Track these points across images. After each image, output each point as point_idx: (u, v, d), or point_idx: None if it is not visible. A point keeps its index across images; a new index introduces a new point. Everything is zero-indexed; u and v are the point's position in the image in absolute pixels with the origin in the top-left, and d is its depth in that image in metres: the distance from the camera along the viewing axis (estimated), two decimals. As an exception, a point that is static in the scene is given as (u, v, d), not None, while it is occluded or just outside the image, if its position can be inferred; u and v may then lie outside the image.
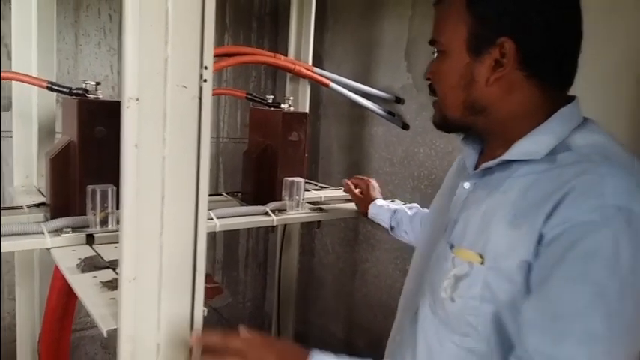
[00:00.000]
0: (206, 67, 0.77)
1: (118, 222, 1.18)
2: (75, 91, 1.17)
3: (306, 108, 2.11)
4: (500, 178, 0.80)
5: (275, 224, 1.40)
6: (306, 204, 1.54)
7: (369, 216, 1.47)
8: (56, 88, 1.19)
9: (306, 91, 2.14)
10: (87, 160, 1.16)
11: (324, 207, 1.56)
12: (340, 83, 2.12)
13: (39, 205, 1.33)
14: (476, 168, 0.88)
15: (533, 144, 0.76)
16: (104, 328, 0.77)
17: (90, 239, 1.13)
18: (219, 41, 2.72)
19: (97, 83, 1.17)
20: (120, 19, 2.43)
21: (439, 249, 0.87)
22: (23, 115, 1.62)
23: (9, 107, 2.25)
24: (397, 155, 2.36)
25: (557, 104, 0.79)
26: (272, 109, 1.58)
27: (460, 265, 0.79)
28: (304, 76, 2.05)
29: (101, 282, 0.93)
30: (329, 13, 2.65)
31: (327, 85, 2.07)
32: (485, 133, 0.86)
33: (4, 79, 1.17)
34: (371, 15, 2.45)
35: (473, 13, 0.78)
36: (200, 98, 0.78)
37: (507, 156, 0.78)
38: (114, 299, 0.87)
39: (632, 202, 0.65)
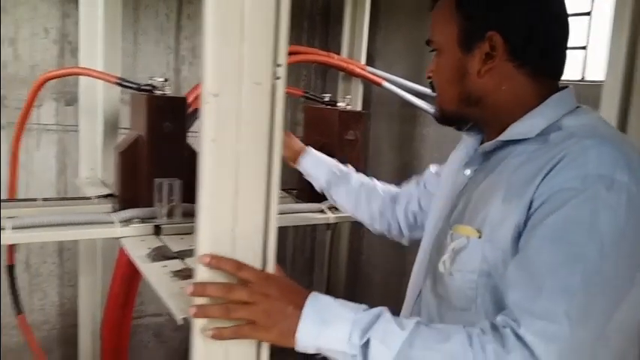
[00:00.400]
0: (279, 65, 0.79)
1: (183, 214, 1.22)
2: (143, 88, 1.22)
3: (358, 107, 2.12)
4: (496, 160, 0.85)
5: (331, 222, 1.42)
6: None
7: (302, 166, 1.32)
8: (125, 84, 1.24)
9: (358, 91, 2.15)
10: (155, 154, 1.20)
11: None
12: (393, 82, 2.12)
13: (106, 197, 1.38)
14: None
15: (525, 126, 0.81)
16: (179, 316, 0.80)
17: (157, 230, 1.18)
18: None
19: (165, 80, 1.21)
20: (177, 18, 2.51)
21: (440, 232, 0.90)
22: (89, 110, 1.69)
23: (73, 102, 2.36)
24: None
25: (548, 92, 0.83)
26: (328, 107, 1.59)
27: (458, 239, 0.82)
28: (357, 75, 2.06)
29: (171, 271, 0.96)
30: (381, 12, 2.65)
31: (379, 85, 2.07)
32: (482, 123, 0.91)
33: (77, 74, 1.23)
34: (425, 14, 2.43)
35: (462, 12, 0.85)
36: (273, 95, 0.79)
37: (502, 137, 0.83)
38: (183, 288, 0.90)
39: (615, 172, 0.69)
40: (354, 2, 2.07)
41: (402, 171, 2.51)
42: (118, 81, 1.23)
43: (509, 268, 0.74)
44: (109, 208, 1.32)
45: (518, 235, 0.75)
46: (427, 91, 2.25)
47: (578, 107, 0.83)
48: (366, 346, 0.70)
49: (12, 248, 1.61)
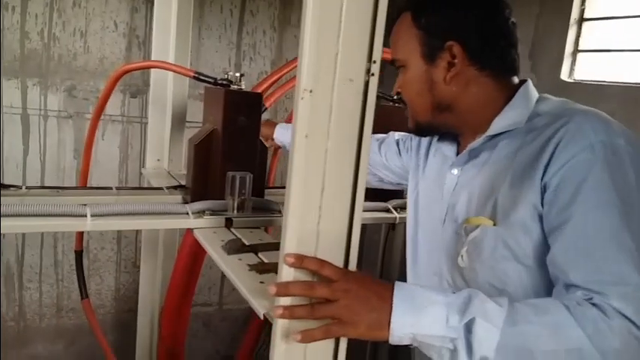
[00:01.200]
0: (374, 62, 0.77)
1: (253, 208, 1.23)
2: (219, 82, 1.23)
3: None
4: (485, 155, 0.90)
5: (397, 222, 1.40)
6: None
7: (277, 137, 1.51)
8: (202, 78, 1.25)
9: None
10: (229, 147, 1.21)
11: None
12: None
13: (176, 188, 1.40)
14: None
15: (510, 117, 0.87)
16: (261, 311, 0.80)
17: (228, 223, 1.19)
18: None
19: (241, 75, 1.22)
20: (240, 14, 2.53)
21: (448, 234, 0.94)
22: (158, 102, 1.72)
23: (137, 94, 2.42)
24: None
25: (512, 89, 0.90)
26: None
27: (473, 232, 0.87)
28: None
29: (248, 265, 0.96)
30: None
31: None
32: (456, 127, 0.95)
33: (155, 67, 1.25)
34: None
35: (420, 28, 0.90)
36: (365, 93, 0.78)
37: (491, 131, 0.88)
38: (263, 283, 0.90)
39: (611, 137, 0.76)
40: None
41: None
42: (195, 75, 1.25)
43: (557, 253, 0.76)
44: (179, 199, 1.34)
45: (538, 216, 0.79)
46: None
47: (540, 95, 0.91)
48: (468, 326, 0.69)
49: (81, 235, 1.66)
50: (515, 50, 0.91)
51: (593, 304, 0.70)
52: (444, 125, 0.95)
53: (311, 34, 0.73)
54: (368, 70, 0.78)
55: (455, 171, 0.96)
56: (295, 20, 2.65)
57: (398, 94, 0.99)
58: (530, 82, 0.92)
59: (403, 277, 1.10)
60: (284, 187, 1.59)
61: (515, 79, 0.92)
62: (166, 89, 1.71)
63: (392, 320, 0.71)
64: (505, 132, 0.87)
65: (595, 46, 2.10)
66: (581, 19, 2.10)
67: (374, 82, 0.78)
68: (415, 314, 0.72)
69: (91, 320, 1.70)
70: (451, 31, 0.88)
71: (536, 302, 0.73)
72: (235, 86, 1.22)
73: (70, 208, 1.05)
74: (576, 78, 2.13)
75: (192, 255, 1.65)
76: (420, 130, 0.99)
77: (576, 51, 2.13)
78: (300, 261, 0.74)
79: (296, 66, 1.67)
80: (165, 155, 1.76)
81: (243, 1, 2.52)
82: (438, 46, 0.89)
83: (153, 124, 1.75)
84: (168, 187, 1.39)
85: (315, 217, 0.79)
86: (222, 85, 1.23)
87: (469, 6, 0.89)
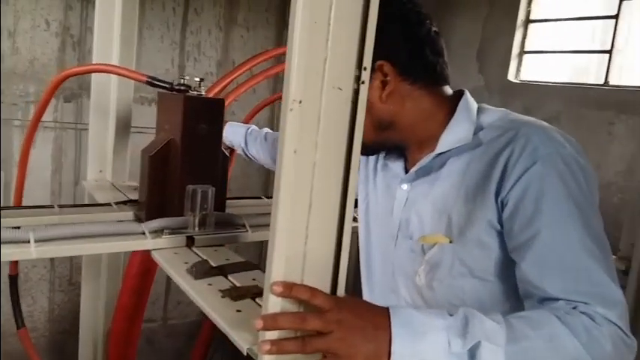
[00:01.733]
0: (365, 68, 0.71)
1: (216, 223, 1.13)
2: (177, 87, 1.12)
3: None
4: (434, 171, 0.89)
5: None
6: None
7: (227, 137, 1.51)
8: (157, 83, 1.14)
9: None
10: (188, 158, 1.11)
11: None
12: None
13: (126, 203, 1.28)
14: (406, 171, 0.95)
15: (457, 133, 0.86)
16: (244, 346, 0.72)
17: (190, 241, 1.09)
18: (278, 37, 2.67)
19: (201, 80, 1.12)
20: (183, 12, 2.40)
21: (402, 251, 0.92)
22: (100, 107, 1.58)
23: (72, 99, 2.24)
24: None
25: (449, 100, 0.90)
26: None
27: (430, 250, 0.86)
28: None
29: (219, 291, 0.87)
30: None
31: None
32: (402, 143, 0.94)
33: (102, 71, 1.13)
34: (442, 13, 2.37)
35: None
36: (355, 102, 0.72)
37: (440, 149, 0.87)
38: (240, 312, 0.81)
39: (558, 147, 0.78)
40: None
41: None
42: (149, 80, 1.13)
43: (528, 269, 0.76)
44: (130, 216, 1.22)
45: (496, 232, 0.80)
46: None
47: (478, 106, 0.91)
48: (472, 351, 0.66)
49: (15, 256, 1.49)
50: (443, 59, 0.91)
51: (582, 313, 0.71)
52: (389, 142, 0.94)
53: (300, 38, 0.65)
54: (358, 78, 0.71)
55: (405, 186, 0.94)
56: (242, 19, 2.54)
57: None
58: (467, 93, 0.92)
59: (355, 287, 1.07)
60: (243, 198, 1.51)
61: (449, 89, 0.92)
62: (109, 93, 1.57)
63: (392, 351, 0.66)
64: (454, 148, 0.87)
65: (541, 47, 2.14)
66: (528, 21, 2.14)
67: (364, 90, 0.72)
68: (415, 342, 0.67)
69: (30, 352, 1.54)
70: (378, 51, 0.82)
71: (527, 315, 0.72)
72: (194, 92, 1.12)
73: (10, 234, 0.92)
74: (523, 79, 2.17)
75: (141, 275, 1.52)
76: (367, 150, 0.95)
77: (522, 52, 2.16)
78: (288, 290, 0.68)
79: (247, 70, 1.61)
80: (108, 166, 1.62)
81: (186, -1, 2.39)
82: (370, 68, 0.85)
83: (94, 132, 1.60)
84: (116, 203, 1.27)
85: (302, 237, 0.72)
86: (179, 90, 1.12)
87: (389, 23, 0.87)
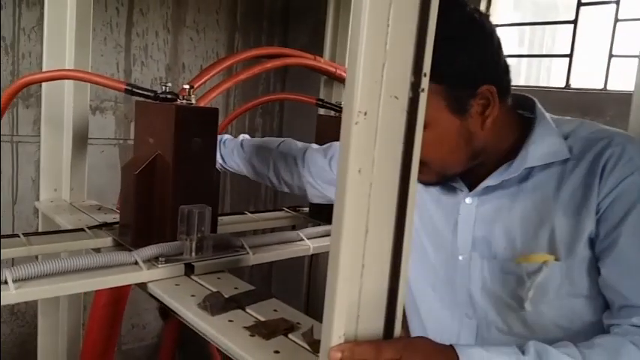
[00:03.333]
0: (425, 74, 0.64)
1: (213, 247, 1.02)
2: (162, 96, 1.00)
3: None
4: (514, 185, 0.83)
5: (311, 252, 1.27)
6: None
7: None
8: (137, 91, 1.01)
9: (341, 95, 2.01)
10: (181, 176, 0.99)
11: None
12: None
13: (101, 227, 1.13)
14: (471, 185, 0.88)
15: (549, 146, 0.80)
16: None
17: (189, 270, 0.97)
18: (229, 40, 2.54)
19: (191, 87, 1.00)
20: (128, 13, 2.22)
21: (478, 272, 0.86)
22: (53, 119, 1.40)
23: (10, 106, 1.99)
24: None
25: (517, 106, 0.86)
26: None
27: (535, 271, 0.80)
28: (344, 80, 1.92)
29: (245, 328, 0.77)
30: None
31: (367, 90, 1.95)
32: (480, 164, 0.87)
33: (69, 78, 0.99)
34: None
35: (439, 82, 0.77)
36: (415, 112, 0.64)
37: (531, 162, 0.80)
38: (279, 353, 0.71)
39: None
40: (337, 3, 1.93)
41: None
42: (128, 87, 1.00)
43: (609, 275, 0.75)
44: (109, 242, 1.08)
45: (591, 242, 0.77)
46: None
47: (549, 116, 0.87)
48: None
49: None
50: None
51: None
52: (472, 166, 0.86)
53: (365, 44, 0.57)
54: (417, 85, 0.64)
55: (469, 200, 0.87)
56: (191, 21, 2.40)
57: None
58: (538, 103, 0.87)
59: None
60: (227, 214, 1.39)
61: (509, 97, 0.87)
62: (63, 103, 1.39)
63: None
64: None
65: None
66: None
67: (423, 98, 0.65)
68: None
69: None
70: (481, 76, 0.78)
71: (601, 343, 0.69)
72: (184, 101, 1.00)
73: (-18, 276, 0.77)
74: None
75: (112, 304, 1.38)
76: (444, 181, 0.89)
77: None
78: (350, 354, 0.60)
79: (215, 73, 1.49)
80: (64, 183, 1.44)
81: (131, -1, 2.21)
82: (469, 95, 0.79)
83: (47, 146, 1.42)
84: (90, 228, 1.12)
85: (358, 269, 0.64)
86: (165, 99, 0.99)
87: (487, 44, 0.80)
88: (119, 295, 1.36)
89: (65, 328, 1.49)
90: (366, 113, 0.58)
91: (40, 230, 1.40)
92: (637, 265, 0.73)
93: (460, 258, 0.88)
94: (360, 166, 0.59)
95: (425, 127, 0.79)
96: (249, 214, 1.39)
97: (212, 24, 2.48)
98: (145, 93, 1.02)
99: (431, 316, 0.98)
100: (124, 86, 1.02)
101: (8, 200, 1.98)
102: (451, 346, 0.67)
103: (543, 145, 0.81)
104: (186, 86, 1.00)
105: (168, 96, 1.00)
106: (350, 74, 0.58)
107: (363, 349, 0.59)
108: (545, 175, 0.81)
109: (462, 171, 0.86)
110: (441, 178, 0.88)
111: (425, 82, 0.64)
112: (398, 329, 0.67)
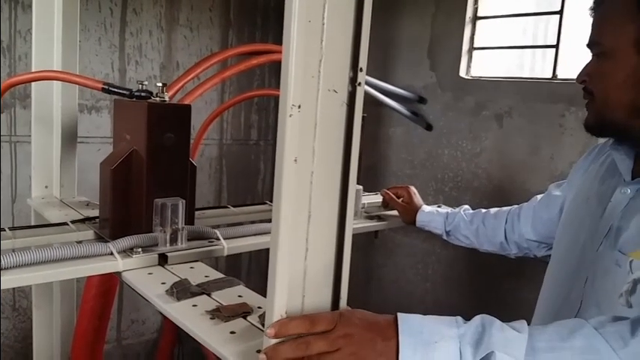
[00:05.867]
0: (361, 69, 0.67)
1: (188, 239, 1.06)
2: (137, 94, 1.04)
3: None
4: None
5: (339, 235, 1.30)
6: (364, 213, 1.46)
7: (418, 224, 1.39)
8: (114, 90, 1.05)
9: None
10: (155, 170, 1.03)
11: (381, 215, 1.47)
12: (366, 82, 2.04)
13: (84, 221, 1.18)
14: (634, 175, 0.86)
15: None
16: (249, 373, 0.66)
17: (162, 259, 1.01)
18: (223, 37, 2.59)
19: (164, 85, 1.04)
20: (122, 13, 2.27)
21: (604, 260, 0.83)
22: (43, 118, 1.45)
23: (3, 109, 2.06)
24: (418, 157, 2.31)
25: None
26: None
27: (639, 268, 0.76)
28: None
29: (206, 312, 0.81)
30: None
31: (355, 85, 1.98)
32: None
33: (51, 79, 1.03)
34: (389, 11, 2.37)
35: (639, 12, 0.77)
36: (352, 105, 0.68)
37: None
38: (234, 333, 0.76)
39: None
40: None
41: (370, 173, 2.44)
42: (105, 87, 1.04)
43: None
44: (91, 235, 1.12)
45: None
46: (398, 90, 2.20)
47: None
48: None
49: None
50: None
51: (626, 321, 0.64)
52: (633, 130, 0.83)
53: (297, 39, 0.61)
54: (354, 79, 0.68)
55: (627, 190, 0.85)
56: (184, 19, 2.44)
57: (583, 82, 0.86)
58: None
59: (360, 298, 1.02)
60: (209, 208, 1.44)
61: None
62: (52, 103, 1.44)
63: None
64: None
65: (490, 44, 2.18)
66: (475, 18, 2.17)
67: (360, 92, 0.68)
68: (425, 351, 0.63)
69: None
70: None
71: (561, 324, 0.66)
72: (157, 98, 1.04)
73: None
74: (473, 75, 2.20)
75: (101, 296, 1.42)
76: (601, 129, 0.87)
77: (472, 49, 2.20)
78: (284, 329, 0.63)
79: (202, 70, 1.53)
80: (54, 180, 1.50)
81: (125, -1, 2.26)
82: None
83: (38, 145, 1.47)
84: (73, 222, 1.16)
85: (302, 252, 0.68)
86: (140, 97, 1.04)
87: None
88: (108, 287, 1.40)
89: (59, 321, 1.54)
90: (300, 106, 0.62)
91: (31, 226, 1.45)
92: None
93: (591, 243, 0.87)
94: (295, 156, 0.62)
95: (606, 54, 0.81)
96: (232, 208, 1.43)
97: (206, 22, 2.52)
98: (121, 92, 1.06)
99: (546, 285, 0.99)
100: (101, 85, 1.06)
101: (8, 199, 2.05)
102: (395, 316, 0.67)
103: None
104: (159, 84, 1.04)
105: (143, 94, 1.04)
106: (284, 69, 0.61)
107: (297, 324, 0.63)
108: None
109: (622, 126, 0.82)
110: (601, 122, 0.85)
111: (361, 76, 0.68)
112: (343, 303, 0.71)
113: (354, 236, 0.99)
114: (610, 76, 0.81)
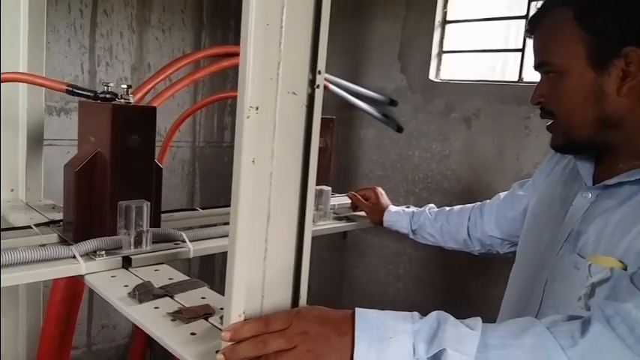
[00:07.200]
0: (319, 72, 0.69)
1: (152, 242, 1.06)
2: (101, 95, 1.04)
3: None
4: (632, 189, 0.80)
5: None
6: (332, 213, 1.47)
7: (385, 224, 1.41)
8: (78, 91, 1.05)
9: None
10: (119, 172, 1.03)
11: (350, 216, 1.49)
12: (336, 84, 2.05)
13: (48, 224, 1.17)
14: (595, 179, 0.87)
15: None
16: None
17: (126, 262, 1.01)
18: (196, 39, 2.58)
19: (129, 86, 1.04)
20: (92, 14, 2.25)
21: (564, 264, 0.85)
22: (9, 120, 1.43)
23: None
24: (390, 159, 2.33)
25: None
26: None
27: (600, 273, 0.77)
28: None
29: (168, 314, 0.81)
30: (312, 12, 2.58)
31: (326, 88, 1.99)
32: (612, 147, 0.85)
33: (16, 81, 1.02)
34: (360, 14, 2.40)
35: (587, 29, 0.79)
36: (311, 107, 0.69)
37: None
38: (195, 334, 0.76)
39: None
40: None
41: (341, 174, 2.46)
42: (69, 88, 1.04)
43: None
44: (55, 239, 1.11)
45: None
46: (369, 93, 2.22)
47: None
48: (437, 357, 0.63)
49: None
50: None
51: (579, 319, 0.65)
52: (603, 144, 0.84)
53: (255, 41, 0.61)
54: (312, 82, 0.69)
55: (588, 195, 0.86)
56: (156, 21, 2.43)
57: (539, 103, 0.87)
58: None
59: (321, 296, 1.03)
60: (178, 210, 1.43)
61: None
62: (18, 104, 1.43)
63: (354, 356, 0.63)
64: None
65: (458, 47, 2.22)
66: (445, 22, 2.21)
67: (319, 94, 0.69)
68: (378, 347, 0.64)
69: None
70: (631, 35, 0.76)
71: (515, 321, 0.68)
72: (122, 100, 1.04)
73: None
74: (443, 78, 2.24)
75: (67, 300, 1.41)
76: (570, 146, 0.87)
77: (441, 52, 2.23)
78: (239, 332, 0.64)
79: (170, 74, 1.53)
80: (20, 184, 1.47)
81: (94, 0, 2.24)
82: (612, 52, 0.77)
83: (3, 148, 1.44)
84: (37, 225, 1.15)
85: (261, 252, 0.69)
86: (104, 98, 1.03)
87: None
88: (74, 291, 1.39)
89: (25, 327, 1.52)
90: (257, 108, 0.63)
91: (-3, 230, 1.43)
92: None
93: (552, 246, 0.88)
94: (253, 157, 0.63)
95: (559, 74, 0.81)
96: (200, 210, 1.43)
97: (178, 23, 2.51)
98: (86, 93, 1.06)
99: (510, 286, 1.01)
100: (65, 87, 1.05)
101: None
102: (352, 311, 0.68)
103: None
104: (124, 86, 1.03)
105: (107, 96, 1.04)
106: (241, 71, 0.62)
107: (251, 326, 0.63)
108: None
109: (590, 140, 0.83)
110: (568, 142, 0.86)
111: (320, 79, 0.69)
112: (303, 302, 0.72)
113: (325, 237, 1.00)
114: (570, 96, 0.81)
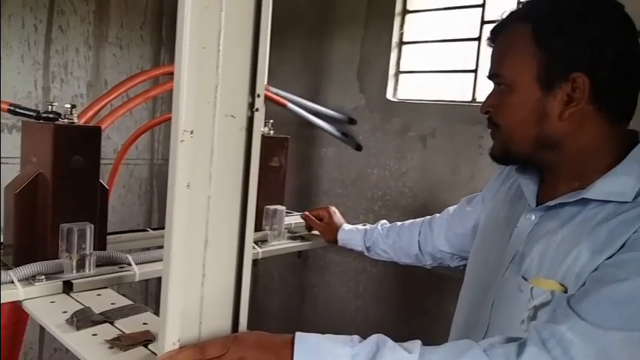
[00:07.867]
0: (259, 95, 0.68)
1: (96, 265, 1.03)
2: (44, 115, 1.01)
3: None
4: (572, 210, 0.81)
5: (260, 256, 1.31)
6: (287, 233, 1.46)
7: (340, 243, 1.41)
8: (20, 111, 1.02)
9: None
10: (60, 194, 1.00)
11: (305, 235, 1.48)
12: (295, 103, 2.06)
13: (-14, 248, 1.12)
14: (538, 200, 0.88)
15: (617, 185, 0.76)
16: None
17: (67, 287, 0.98)
18: (155, 56, 2.55)
19: (72, 106, 1.02)
20: (47, 30, 2.20)
21: (509, 286, 0.86)
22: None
23: None
24: (349, 176, 2.34)
25: (624, 139, 0.81)
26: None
27: (541, 296, 0.78)
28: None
29: (106, 341, 0.79)
30: (273, 29, 2.58)
31: (284, 106, 2.00)
32: (550, 168, 0.86)
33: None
34: (320, 33, 2.42)
35: (542, 48, 0.78)
36: (250, 130, 0.69)
37: (590, 195, 0.78)
38: (134, 363, 0.74)
39: None
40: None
41: (302, 192, 2.46)
42: (11, 107, 1.01)
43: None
44: (-6, 262, 1.07)
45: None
46: (328, 112, 2.23)
47: None
48: None
49: None
50: (637, 95, 0.81)
51: (515, 342, 0.67)
52: (539, 162, 0.85)
53: (189, 64, 0.61)
54: (251, 105, 0.69)
55: (532, 217, 0.86)
56: (113, 37, 2.40)
57: (487, 112, 0.87)
58: None
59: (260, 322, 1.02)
60: (126, 232, 1.40)
61: (626, 128, 0.82)
62: (-40, 122, 1.38)
63: None
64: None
65: (418, 67, 2.26)
66: (401, 43, 2.25)
67: (259, 117, 0.69)
68: None
69: None
70: (582, 61, 0.76)
71: (453, 344, 0.69)
72: (65, 120, 1.01)
73: None
74: (400, 97, 2.27)
75: (12, 326, 1.36)
76: (507, 158, 0.88)
77: (398, 72, 2.27)
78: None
79: (123, 92, 1.50)
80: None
81: (50, 16, 2.19)
82: (561, 75, 0.77)
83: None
84: (-25, 248, 1.11)
85: (198, 277, 0.67)
86: (47, 118, 1.01)
87: (607, 37, 0.76)
88: (18, 317, 1.34)
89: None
90: (192, 132, 0.62)
91: None
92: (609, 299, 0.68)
93: (498, 267, 0.88)
94: (188, 181, 0.62)
95: (509, 87, 0.81)
96: (151, 231, 1.41)
97: (136, 39, 2.48)
98: (27, 113, 1.03)
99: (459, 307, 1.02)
100: (6, 106, 1.02)
101: None
102: (292, 336, 0.68)
103: (615, 183, 0.76)
104: (67, 105, 1.01)
105: (50, 115, 1.02)
106: (175, 95, 0.61)
107: (186, 354, 0.62)
108: (600, 209, 0.77)
109: (527, 157, 0.84)
110: (506, 154, 0.86)
111: (259, 102, 0.69)
112: (243, 327, 0.71)
113: (285, 255, 0.98)
114: (515, 111, 0.82)
